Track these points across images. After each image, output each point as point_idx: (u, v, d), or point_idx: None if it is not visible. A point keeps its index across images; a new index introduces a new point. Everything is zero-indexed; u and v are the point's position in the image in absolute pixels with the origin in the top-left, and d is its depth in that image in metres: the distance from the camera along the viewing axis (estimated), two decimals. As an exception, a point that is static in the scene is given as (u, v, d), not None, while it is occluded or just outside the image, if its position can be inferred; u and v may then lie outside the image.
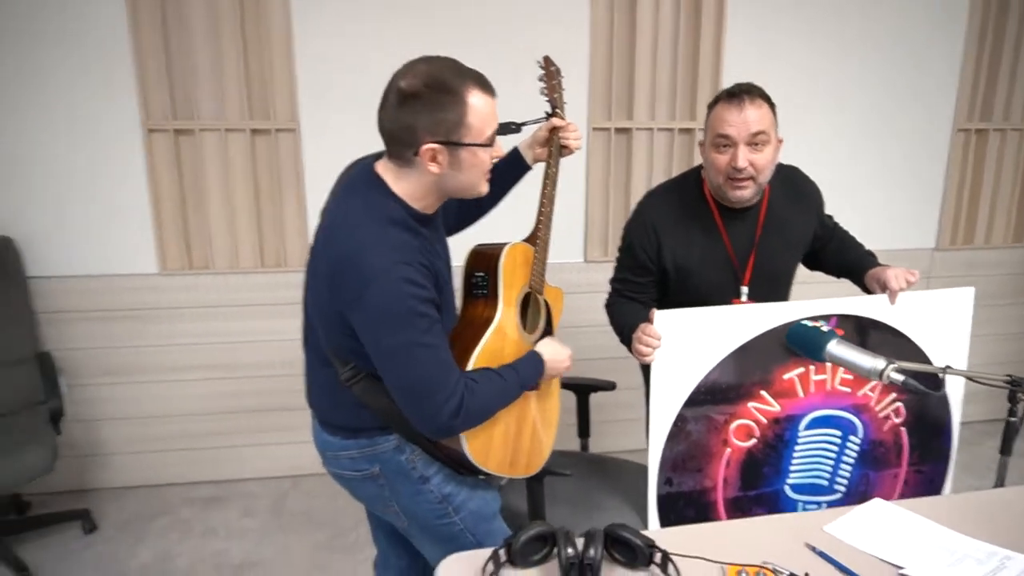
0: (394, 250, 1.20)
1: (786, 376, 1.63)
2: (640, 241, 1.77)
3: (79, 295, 2.68)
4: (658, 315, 1.54)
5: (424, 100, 1.20)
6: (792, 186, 1.83)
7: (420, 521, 1.45)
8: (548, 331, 1.63)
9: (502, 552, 1.18)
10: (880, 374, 1.20)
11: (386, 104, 1.24)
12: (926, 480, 1.78)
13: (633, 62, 2.82)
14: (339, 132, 2.68)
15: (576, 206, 2.93)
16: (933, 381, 1.67)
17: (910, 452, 1.75)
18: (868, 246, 1.89)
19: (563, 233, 2.91)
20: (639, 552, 1.16)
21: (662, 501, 1.61)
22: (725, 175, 1.65)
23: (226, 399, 2.86)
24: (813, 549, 1.25)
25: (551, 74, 1.62)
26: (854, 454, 1.71)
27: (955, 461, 1.79)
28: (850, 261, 1.85)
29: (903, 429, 1.73)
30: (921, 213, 3.25)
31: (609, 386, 2.02)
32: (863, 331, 1.66)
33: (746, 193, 1.66)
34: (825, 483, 1.71)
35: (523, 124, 1.55)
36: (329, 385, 1.38)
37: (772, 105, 1.66)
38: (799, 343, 1.32)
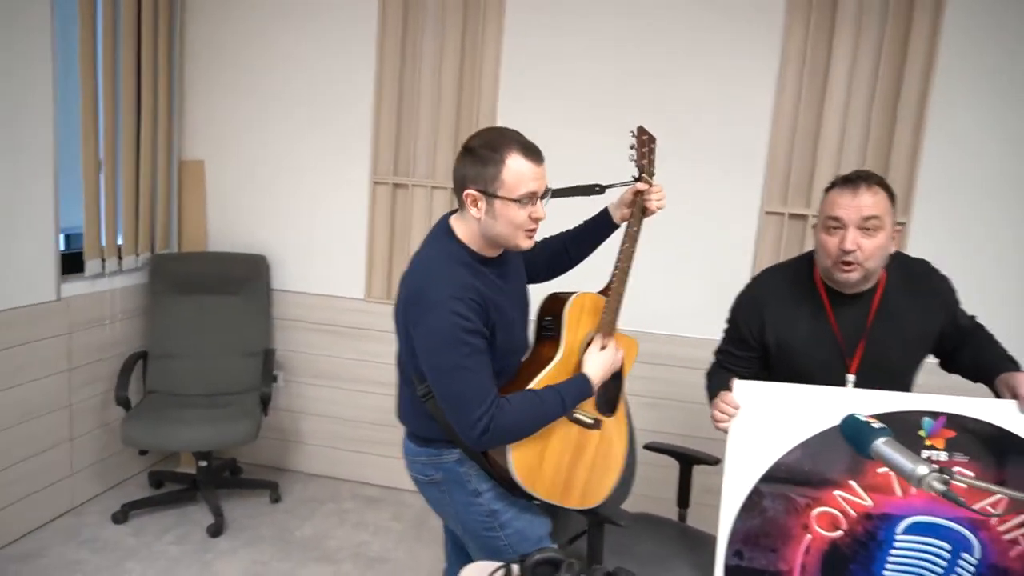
0: (450, 285, 1.44)
1: (880, 470, 1.52)
2: (744, 316, 1.80)
3: (304, 308, 3.31)
4: (738, 384, 1.56)
5: (474, 155, 1.46)
6: (915, 279, 1.73)
7: (470, 530, 1.63)
8: (617, 377, 1.73)
9: (515, 567, 1.31)
10: (919, 480, 1.14)
11: (456, 159, 1.51)
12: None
13: (816, 150, 2.79)
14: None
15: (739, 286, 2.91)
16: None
17: None
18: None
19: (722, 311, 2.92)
20: (635, 598, 1.23)
21: (730, 572, 1.58)
22: (834, 258, 1.63)
23: (401, 416, 3.28)
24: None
25: (642, 142, 1.72)
26: None
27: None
28: (985, 364, 1.68)
29: None
30: None
31: (711, 460, 2.02)
32: (989, 439, 1.51)
33: (852, 276, 1.62)
34: None
35: (608, 186, 1.71)
36: (410, 400, 1.64)
37: (891, 193, 1.63)
38: (850, 435, 1.28)
